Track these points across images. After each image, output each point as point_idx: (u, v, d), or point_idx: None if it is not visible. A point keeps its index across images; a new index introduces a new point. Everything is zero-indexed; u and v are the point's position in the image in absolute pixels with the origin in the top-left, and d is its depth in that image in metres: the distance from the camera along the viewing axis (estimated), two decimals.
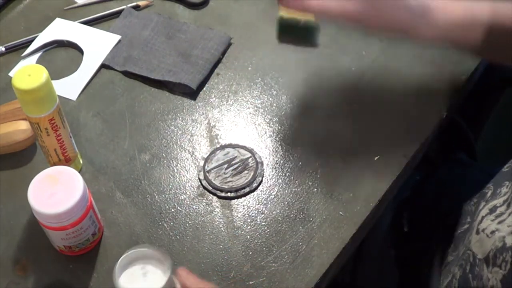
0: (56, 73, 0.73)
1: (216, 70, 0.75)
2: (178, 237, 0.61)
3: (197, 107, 0.72)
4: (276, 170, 0.66)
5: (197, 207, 0.63)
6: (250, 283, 0.58)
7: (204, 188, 0.64)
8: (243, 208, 0.63)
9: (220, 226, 0.62)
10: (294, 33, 0.76)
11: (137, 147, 0.68)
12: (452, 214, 0.72)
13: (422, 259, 0.75)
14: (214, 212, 0.63)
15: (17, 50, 0.76)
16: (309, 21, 0.75)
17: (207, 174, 0.65)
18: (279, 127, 0.70)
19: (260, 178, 0.65)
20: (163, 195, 0.64)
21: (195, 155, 0.67)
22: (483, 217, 0.57)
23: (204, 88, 0.73)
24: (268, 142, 0.68)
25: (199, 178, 0.65)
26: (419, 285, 0.76)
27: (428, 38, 0.61)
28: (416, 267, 0.76)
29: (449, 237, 0.69)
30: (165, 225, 0.62)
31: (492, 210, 0.56)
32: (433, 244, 0.74)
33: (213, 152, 0.67)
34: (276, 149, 0.68)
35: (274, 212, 0.63)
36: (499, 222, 0.54)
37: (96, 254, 0.60)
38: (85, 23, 0.79)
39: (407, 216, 0.83)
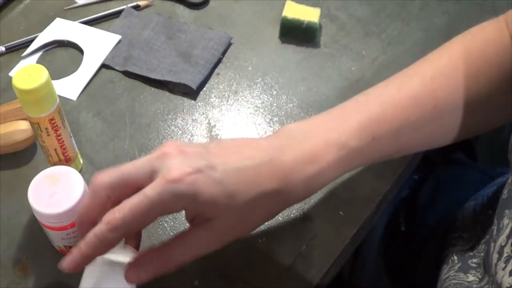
0: (56, 73, 0.73)
1: (216, 70, 0.75)
2: None
3: (197, 107, 0.72)
4: None
5: None
6: (251, 282, 0.58)
7: None
8: None
9: None
10: (297, 33, 0.77)
11: (137, 147, 0.68)
12: (449, 215, 0.73)
13: (419, 259, 0.75)
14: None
15: (17, 50, 0.76)
16: (312, 22, 0.75)
17: None
18: (279, 127, 0.70)
19: None
20: None
21: None
22: (495, 265, 0.52)
23: (204, 88, 0.73)
24: None
25: None
26: (416, 285, 0.76)
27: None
28: (413, 267, 0.76)
29: (446, 237, 0.69)
30: (165, 225, 0.62)
31: (500, 254, 0.51)
32: (430, 244, 0.74)
33: None
34: None
35: None
36: (511, 274, 0.49)
37: None
38: (85, 23, 0.79)
39: (404, 215, 0.83)
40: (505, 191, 0.55)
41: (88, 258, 0.47)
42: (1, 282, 0.58)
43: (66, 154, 0.62)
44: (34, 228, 0.60)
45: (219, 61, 0.75)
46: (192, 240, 0.48)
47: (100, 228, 0.46)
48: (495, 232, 0.54)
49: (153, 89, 0.73)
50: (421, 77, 0.55)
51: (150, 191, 0.45)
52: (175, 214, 0.62)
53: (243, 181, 0.48)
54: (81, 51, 0.76)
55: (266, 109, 0.71)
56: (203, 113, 0.71)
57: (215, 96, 0.73)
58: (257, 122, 0.70)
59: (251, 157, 0.49)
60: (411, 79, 0.56)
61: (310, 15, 0.75)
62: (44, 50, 0.77)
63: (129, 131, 0.69)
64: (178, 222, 0.62)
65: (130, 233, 0.50)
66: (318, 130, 0.52)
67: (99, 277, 0.50)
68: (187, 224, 0.62)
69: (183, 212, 0.62)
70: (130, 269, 0.48)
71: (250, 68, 0.75)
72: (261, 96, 0.72)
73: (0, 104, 0.68)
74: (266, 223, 0.62)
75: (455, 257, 0.64)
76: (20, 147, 0.66)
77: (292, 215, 0.62)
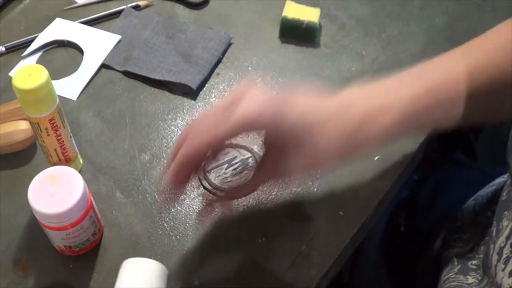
0: (56, 73, 0.73)
1: (216, 70, 0.75)
2: (178, 237, 0.61)
3: (197, 107, 0.72)
4: None
5: (197, 207, 0.63)
6: (251, 282, 0.58)
7: (204, 188, 0.64)
8: (243, 208, 0.63)
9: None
10: (297, 33, 0.77)
11: (137, 147, 0.68)
12: (449, 215, 0.73)
13: (419, 259, 0.75)
14: (214, 212, 0.63)
15: (17, 50, 0.76)
16: (312, 22, 0.75)
17: (207, 174, 0.65)
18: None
19: None
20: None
21: None
22: (495, 266, 0.52)
23: (204, 88, 0.73)
24: None
25: (199, 178, 0.65)
26: (416, 285, 0.76)
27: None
28: (413, 267, 0.77)
29: (446, 238, 0.69)
30: (165, 225, 0.62)
31: (499, 255, 0.52)
32: (430, 245, 0.74)
33: None
34: None
35: (274, 212, 0.63)
36: (511, 274, 0.49)
37: (96, 254, 0.60)
38: (85, 23, 0.79)
39: (404, 215, 0.83)
40: (504, 193, 0.55)
41: (178, 179, 0.53)
42: (1, 282, 0.58)
43: (66, 154, 0.62)
44: (34, 228, 0.60)
45: (219, 61, 0.76)
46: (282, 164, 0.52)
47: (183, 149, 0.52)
48: (494, 233, 0.54)
49: (153, 89, 0.73)
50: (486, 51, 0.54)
51: (234, 119, 0.50)
52: (175, 213, 0.62)
53: (321, 120, 0.51)
54: (81, 51, 0.76)
55: None
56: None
57: (215, 96, 0.73)
58: None
59: (327, 102, 0.52)
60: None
61: (310, 15, 0.75)
62: (44, 50, 0.77)
63: (129, 131, 0.69)
64: (178, 222, 0.62)
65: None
66: (384, 92, 0.53)
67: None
68: (187, 224, 0.62)
69: (183, 212, 0.62)
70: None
71: (250, 68, 0.75)
72: None
73: (0, 104, 0.68)
74: (266, 223, 0.62)
75: (455, 259, 0.64)
76: (20, 147, 0.66)
77: (292, 215, 0.62)
